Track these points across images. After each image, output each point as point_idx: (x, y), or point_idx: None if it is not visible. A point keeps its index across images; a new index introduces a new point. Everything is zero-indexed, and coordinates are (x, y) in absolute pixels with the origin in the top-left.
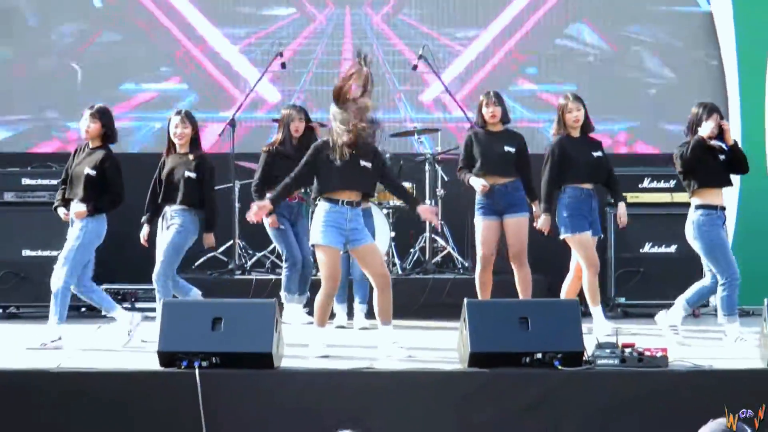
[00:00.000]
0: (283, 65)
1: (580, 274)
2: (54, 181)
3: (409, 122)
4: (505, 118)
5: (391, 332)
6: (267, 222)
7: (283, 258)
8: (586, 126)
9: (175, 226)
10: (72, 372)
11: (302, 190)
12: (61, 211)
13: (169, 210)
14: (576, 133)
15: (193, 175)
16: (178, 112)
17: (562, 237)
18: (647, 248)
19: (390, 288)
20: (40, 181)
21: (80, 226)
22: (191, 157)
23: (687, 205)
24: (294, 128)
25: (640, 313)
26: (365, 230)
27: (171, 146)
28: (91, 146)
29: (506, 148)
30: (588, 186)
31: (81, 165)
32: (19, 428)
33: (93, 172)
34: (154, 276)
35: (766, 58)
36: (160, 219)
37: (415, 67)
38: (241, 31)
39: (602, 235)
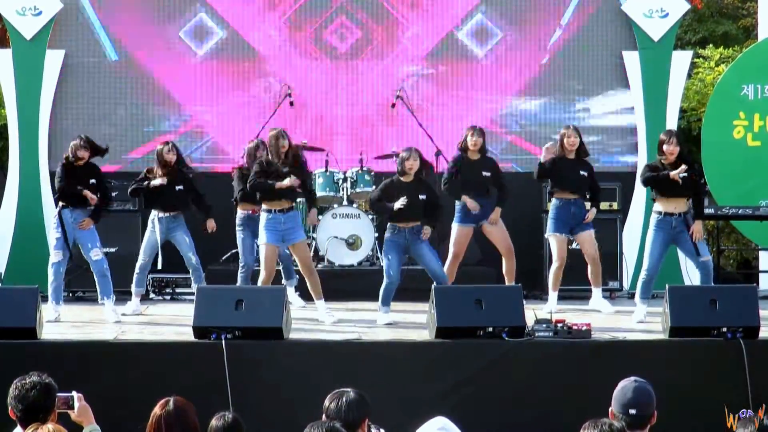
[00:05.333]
0: (291, 104)
1: (561, 263)
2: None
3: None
4: (483, 149)
5: (323, 304)
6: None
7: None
8: (581, 150)
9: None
10: (126, 342)
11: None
12: None
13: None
14: (572, 156)
15: None
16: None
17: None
18: (574, 245)
19: (313, 274)
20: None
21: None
22: None
23: (606, 211)
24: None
25: (569, 296)
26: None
27: None
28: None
29: (483, 173)
30: (572, 197)
31: None
32: (84, 387)
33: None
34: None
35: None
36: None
37: (393, 105)
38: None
39: (592, 229)
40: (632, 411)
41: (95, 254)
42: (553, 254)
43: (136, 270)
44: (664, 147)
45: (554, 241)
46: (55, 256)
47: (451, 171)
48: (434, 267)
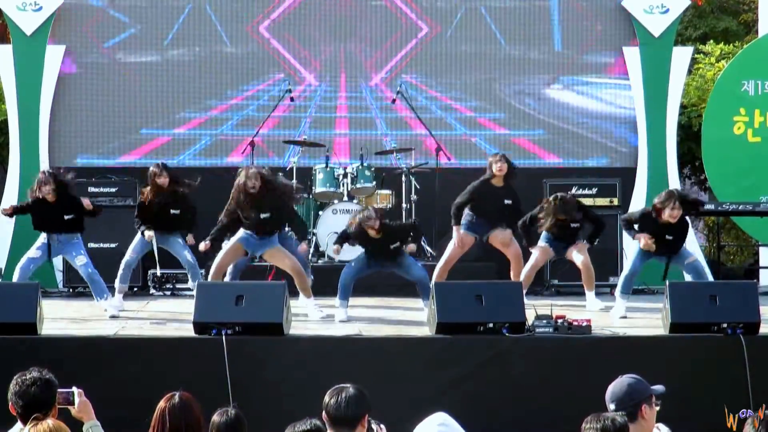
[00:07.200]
0: (292, 99)
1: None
2: (111, 189)
3: (389, 146)
4: (508, 176)
5: (313, 302)
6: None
7: None
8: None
9: None
10: (127, 338)
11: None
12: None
13: None
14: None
15: None
16: None
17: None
18: None
19: (300, 274)
20: (102, 189)
21: None
22: None
23: (606, 207)
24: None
25: (569, 292)
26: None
27: None
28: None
29: (505, 201)
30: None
31: None
32: (84, 383)
33: None
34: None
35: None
36: None
37: (393, 101)
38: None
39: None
40: (611, 406)
41: (80, 260)
42: (531, 257)
43: (122, 266)
44: (666, 212)
45: (539, 250)
46: (33, 252)
47: (467, 198)
48: (417, 274)
